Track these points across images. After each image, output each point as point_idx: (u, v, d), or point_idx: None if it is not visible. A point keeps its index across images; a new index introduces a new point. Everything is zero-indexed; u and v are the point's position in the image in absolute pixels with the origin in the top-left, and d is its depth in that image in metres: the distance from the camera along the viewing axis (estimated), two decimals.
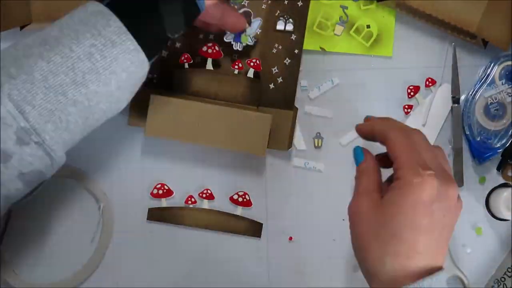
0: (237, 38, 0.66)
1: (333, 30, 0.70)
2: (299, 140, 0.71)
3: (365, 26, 0.71)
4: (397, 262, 0.48)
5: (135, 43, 0.50)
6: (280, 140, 0.67)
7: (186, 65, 0.67)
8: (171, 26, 0.53)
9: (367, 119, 0.58)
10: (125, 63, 0.50)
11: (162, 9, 0.52)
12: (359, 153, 0.55)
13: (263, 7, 0.67)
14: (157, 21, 0.52)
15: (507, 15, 0.66)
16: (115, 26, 0.49)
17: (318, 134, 0.71)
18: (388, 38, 0.71)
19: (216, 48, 0.66)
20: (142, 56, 0.51)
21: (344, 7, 0.70)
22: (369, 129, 0.55)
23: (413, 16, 0.70)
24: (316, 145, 0.71)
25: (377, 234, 0.49)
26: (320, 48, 0.70)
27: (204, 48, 0.66)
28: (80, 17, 0.50)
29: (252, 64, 0.66)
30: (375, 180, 0.53)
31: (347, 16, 0.70)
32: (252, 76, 0.66)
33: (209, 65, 0.66)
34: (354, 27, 0.71)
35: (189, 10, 0.54)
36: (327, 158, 0.72)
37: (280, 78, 0.68)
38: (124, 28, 0.50)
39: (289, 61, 0.68)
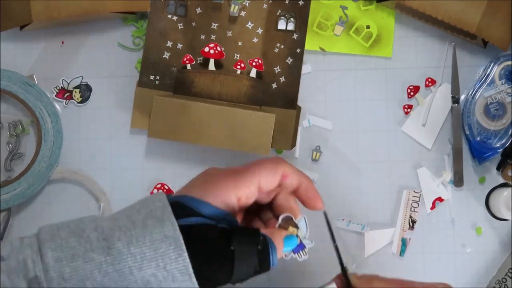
0: (300, 246, 0.55)
1: (333, 30, 0.71)
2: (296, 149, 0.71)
3: (365, 27, 0.71)
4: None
5: (195, 282, 0.47)
6: (284, 140, 0.67)
7: (189, 66, 0.67)
8: (236, 277, 0.50)
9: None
10: None
11: (236, 260, 0.49)
12: None
13: (264, 6, 0.67)
14: (226, 271, 0.49)
15: (506, 15, 0.67)
16: (183, 265, 0.47)
17: (318, 148, 0.71)
18: (388, 38, 0.71)
19: (218, 48, 0.66)
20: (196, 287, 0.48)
21: (344, 8, 0.70)
22: None
23: (413, 16, 0.70)
24: (314, 158, 0.71)
25: None
26: (320, 48, 0.70)
27: (206, 49, 0.66)
28: (152, 237, 0.47)
29: (254, 64, 0.66)
30: None
31: (347, 16, 0.71)
32: (254, 76, 0.66)
33: (211, 66, 0.66)
34: (354, 28, 0.71)
35: (261, 267, 0.51)
36: (323, 171, 0.72)
37: (283, 77, 0.68)
38: (191, 271, 0.47)
39: (291, 60, 0.68)
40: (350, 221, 0.72)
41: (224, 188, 0.51)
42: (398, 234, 0.72)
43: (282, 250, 0.52)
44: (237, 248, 0.49)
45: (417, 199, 0.71)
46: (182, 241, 0.47)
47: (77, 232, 0.48)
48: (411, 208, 0.72)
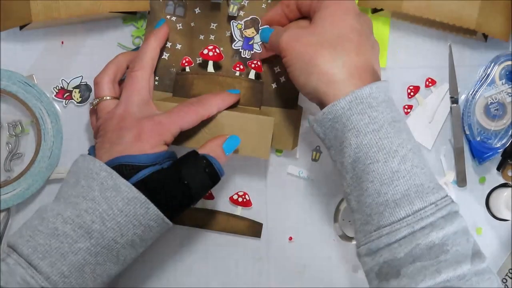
0: (246, 45, 0.66)
1: None
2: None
3: None
4: (349, 59, 0.54)
5: (169, 221, 0.56)
6: (285, 140, 0.67)
7: (187, 68, 0.67)
8: (196, 198, 0.58)
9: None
10: (157, 235, 0.57)
11: (192, 189, 0.57)
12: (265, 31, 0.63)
13: (263, 6, 0.67)
14: (187, 200, 0.57)
15: (504, 6, 0.67)
16: (154, 214, 0.54)
17: (318, 148, 0.71)
18: (382, 49, 0.71)
19: (217, 50, 0.66)
20: (171, 224, 0.57)
21: None
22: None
23: (411, 21, 0.70)
24: (314, 158, 0.71)
25: (321, 44, 0.54)
26: None
27: (205, 51, 0.66)
28: (118, 206, 0.53)
29: (253, 65, 0.65)
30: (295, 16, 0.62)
31: None
32: (253, 78, 0.66)
33: (210, 68, 0.66)
34: None
35: (213, 182, 0.59)
36: (323, 171, 0.72)
37: (283, 77, 0.68)
38: (162, 215, 0.55)
39: None
40: (349, 221, 0.72)
41: (152, 140, 0.57)
42: None
43: (225, 156, 0.60)
44: (190, 180, 0.56)
45: None
46: (144, 196, 0.54)
47: (52, 232, 0.53)
48: None
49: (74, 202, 0.53)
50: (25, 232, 0.53)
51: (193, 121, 0.59)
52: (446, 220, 0.50)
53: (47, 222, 0.53)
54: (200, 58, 0.67)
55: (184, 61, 0.66)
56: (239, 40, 0.65)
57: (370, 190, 0.51)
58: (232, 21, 0.65)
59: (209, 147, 0.60)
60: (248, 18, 0.65)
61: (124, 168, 0.55)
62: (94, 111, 0.63)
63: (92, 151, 0.59)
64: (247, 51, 0.66)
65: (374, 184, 0.51)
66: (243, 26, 0.65)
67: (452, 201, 0.52)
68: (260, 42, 0.65)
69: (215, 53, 0.66)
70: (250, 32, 0.65)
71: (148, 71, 0.61)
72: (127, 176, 0.54)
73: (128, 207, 0.53)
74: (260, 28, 0.64)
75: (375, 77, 0.55)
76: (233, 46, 0.66)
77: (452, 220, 0.50)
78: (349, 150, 0.52)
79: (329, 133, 0.54)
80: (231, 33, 0.66)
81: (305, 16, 0.61)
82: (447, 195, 0.52)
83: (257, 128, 0.63)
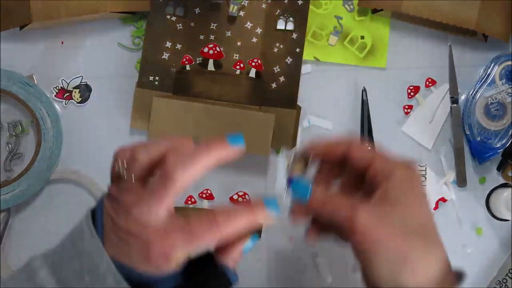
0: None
1: (327, 40, 0.70)
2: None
3: (359, 37, 0.71)
4: (441, 254, 0.46)
5: None
6: (284, 139, 0.67)
7: (188, 67, 0.67)
8: None
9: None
10: None
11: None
12: (303, 187, 0.49)
13: (263, 6, 0.67)
14: None
15: (503, 7, 0.67)
16: None
17: None
18: (382, 49, 0.71)
19: (217, 49, 0.66)
20: None
21: (338, 18, 0.70)
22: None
23: (410, 22, 0.70)
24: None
25: (411, 233, 0.45)
26: (314, 58, 0.70)
27: (205, 49, 0.66)
28: None
29: (253, 64, 0.66)
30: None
31: (341, 26, 0.70)
32: (254, 76, 0.66)
33: (211, 66, 0.66)
34: (348, 38, 0.70)
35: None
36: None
37: (282, 77, 0.68)
38: None
39: (290, 60, 0.68)
40: None
41: (164, 267, 0.45)
42: None
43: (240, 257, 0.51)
44: None
45: None
46: None
47: None
48: None
49: None
50: None
51: (212, 243, 0.47)
52: None
53: None
54: (201, 57, 0.67)
55: (184, 59, 0.66)
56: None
57: None
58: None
59: (232, 256, 0.50)
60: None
61: (131, 278, 0.45)
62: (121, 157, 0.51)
63: (100, 212, 0.48)
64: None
65: None
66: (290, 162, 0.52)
67: None
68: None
69: (216, 52, 0.66)
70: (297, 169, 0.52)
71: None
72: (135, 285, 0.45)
73: None
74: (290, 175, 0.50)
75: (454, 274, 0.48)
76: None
77: None
78: None
79: None
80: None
81: (354, 172, 0.50)
82: None
83: (258, 124, 0.63)
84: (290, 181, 0.49)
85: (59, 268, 0.47)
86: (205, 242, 0.46)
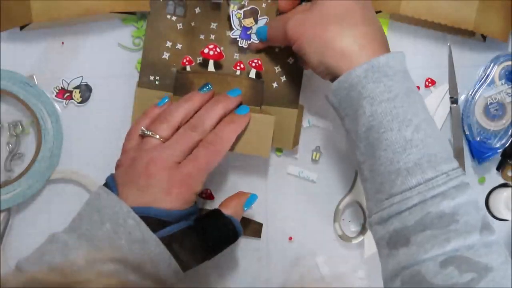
0: (244, 35, 0.66)
1: None
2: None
3: None
4: (358, 30, 0.54)
5: (183, 275, 0.56)
6: (285, 139, 0.67)
7: (188, 68, 0.67)
8: (218, 250, 0.60)
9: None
10: (169, 284, 0.54)
11: (214, 251, 0.59)
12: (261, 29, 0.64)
13: (263, 6, 0.67)
14: (208, 257, 0.59)
15: (502, 6, 0.67)
16: (173, 269, 0.54)
17: (318, 148, 0.71)
18: None
19: (218, 49, 0.66)
20: (183, 277, 0.56)
21: None
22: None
23: (408, 23, 0.70)
24: (314, 158, 0.71)
25: (327, 21, 0.55)
26: None
27: (206, 50, 0.66)
28: (143, 259, 0.52)
29: (254, 64, 0.66)
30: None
31: None
32: (254, 77, 0.66)
33: (211, 67, 0.66)
34: None
35: (232, 242, 0.61)
36: (323, 171, 0.72)
37: (284, 77, 0.68)
38: (180, 271, 0.55)
39: (292, 60, 0.68)
40: (350, 221, 0.72)
41: (183, 195, 0.57)
42: None
43: (243, 212, 0.63)
44: (214, 242, 0.58)
45: None
46: (169, 253, 0.54)
47: None
48: None
49: (99, 246, 0.53)
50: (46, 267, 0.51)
51: (217, 162, 0.59)
52: (458, 190, 0.50)
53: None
54: (201, 57, 0.67)
55: (184, 60, 0.66)
56: (237, 29, 0.66)
57: (382, 159, 0.52)
58: (231, 10, 0.66)
59: (233, 208, 0.61)
60: (248, 8, 0.65)
61: (150, 219, 0.54)
62: (137, 136, 0.62)
63: (112, 182, 0.58)
64: (244, 40, 0.66)
65: (387, 153, 0.51)
66: (242, 15, 0.66)
67: (464, 173, 0.52)
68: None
69: (216, 52, 0.66)
70: (249, 22, 0.66)
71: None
72: (153, 229, 0.53)
73: (152, 262, 0.53)
74: (259, 18, 0.65)
75: (386, 47, 0.55)
76: (231, 34, 0.66)
77: (463, 191, 0.50)
78: (364, 119, 0.53)
79: (343, 102, 0.55)
80: (229, 19, 0.66)
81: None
82: (459, 167, 0.52)
83: (258, 126, 0.63)
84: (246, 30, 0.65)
85: (78, 226, 0.54)
86: (211, 165, 0.59)
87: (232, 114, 0.62)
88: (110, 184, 0.58)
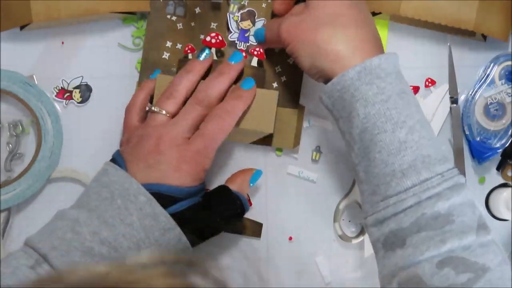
0: (242, 37, 0.66)
1: None
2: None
3: None
4: (350, 33, 0.54)
5: (192, 249, 0.57)
6: (286, 139, 0.67)
7: (190, 56, 0.66)
8: (225, 225, 0.62)
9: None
10: None
11: (223, 225, 0.61)
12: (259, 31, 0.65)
13: (263, 6, 0.67)
14: (216, 233, 0.61)
15: (502, 6, 0.67)
16: (183, 244, 0.56)
17: (318, 148, 0.71)
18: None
19: (220, 37, 0.65)
20: (191, 251, 0.58)
21: None
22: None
23: (409, 24, 0.70)
24: (314, 158, 0.71)
25: (319, 25, 0.55)
26: None
27: (208, 38, 0.65)
28: (155, 235, 0.54)
29: (255, 53, 0.65)
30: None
31: None
32: (256, 65, 0.66)
33: (213, 55, 0.66)
34: None
35: (240, 215, 0.62)
36: (323, 171, 0.72)
37: (284, 77, 0.68)
38: (189, 245, 0.56)
39: (292, 60, 0.68)
40: (350, 221, 0.72)
41: (193, 172, 0.57)
42: None
43: (249, 189, 0.65)
44: (222, 218, 0.59)
45: None
46: (179, 229, 0.55)
47: (88, 251, 0.52)
48: None
49: (110, 223, 0.53)
50: (57, 243, 0.52)
51: (224, 137, 0.59)
52: (453, 191, 0.50)
53: (83, 240, 0.52)
54: (203, 47, 0.67)
55: (186, 48, 0.66)
56: (235, 32, 0.66)
57: (377, 161, 0.52)
58: (228, 12, 0.66)
59: (240, 184, 0.63)
60: (245, 10, 0.65)
61: (161, 196, 0.55)
62: (137, 110, 0.63)
63: (119, 158, 0.58)
64: (243, 43, 0.66)
65: (381, 155, 0.51)
66: (239, 18, 0.66)
67: (459, 173, 0.52)
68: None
69: (218, 40, 0.65)
70: (246, 24, 0.66)
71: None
72: (163, 205, 0.54)
73: (164, 238, 0.54)
74: (256, 20, 0.65)
75: (380, 48, 0.56)
76: (229, 37, 0.66)
77: (458, 191, 0.51)
78: (357, 121, 0.53)
79: (337, 104, 0.55)
80: (227, 24, 0.66)
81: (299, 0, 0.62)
82: (454, 167, 0.52)
83: (261, 101, 0.62)
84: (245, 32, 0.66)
85: (87, 202, 0.55)
86: (219, 140, 0.58)
87: (238, 89, 0.61)
88: (118, 160, 0.58)
